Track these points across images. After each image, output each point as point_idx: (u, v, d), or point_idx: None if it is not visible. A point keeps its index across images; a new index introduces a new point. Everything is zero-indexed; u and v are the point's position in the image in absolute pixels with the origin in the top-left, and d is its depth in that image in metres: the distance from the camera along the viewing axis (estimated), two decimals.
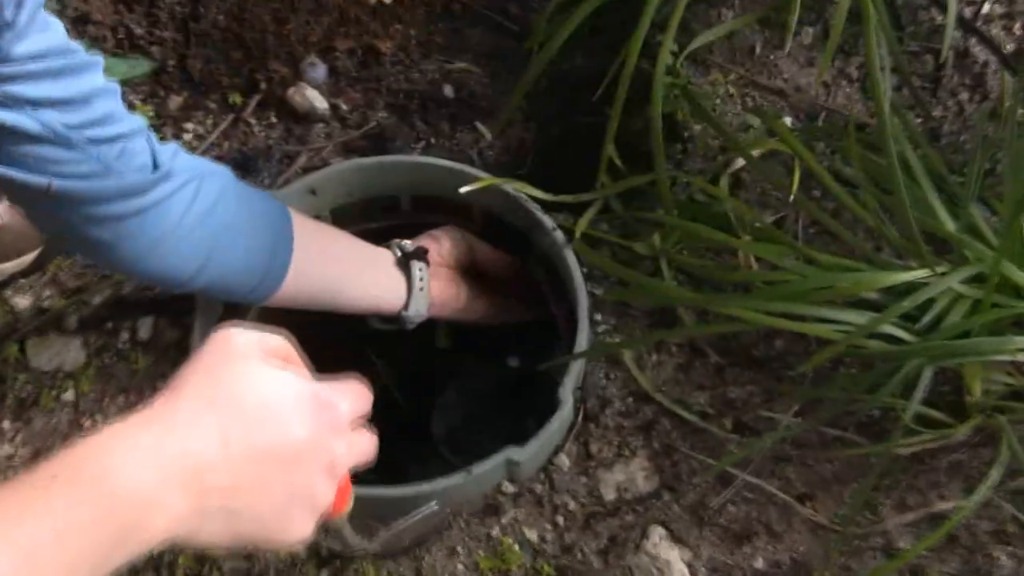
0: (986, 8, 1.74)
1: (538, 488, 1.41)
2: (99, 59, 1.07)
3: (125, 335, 1.54)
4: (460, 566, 1.36)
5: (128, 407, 1.48)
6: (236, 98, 1.75)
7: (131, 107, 1.71)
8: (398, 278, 1.47)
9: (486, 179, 1.52)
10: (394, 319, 1.50)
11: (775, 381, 1.46)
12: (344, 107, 1.74)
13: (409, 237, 1.53)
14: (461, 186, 1.51)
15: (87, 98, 1.05)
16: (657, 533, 1.36)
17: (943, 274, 1.33)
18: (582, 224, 1.53)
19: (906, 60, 1.68)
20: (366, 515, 1.33)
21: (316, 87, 1.74)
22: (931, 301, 1.34)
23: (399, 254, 1.48)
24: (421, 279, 1.47)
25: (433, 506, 1.32)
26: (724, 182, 1.58)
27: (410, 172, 1.61)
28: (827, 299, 1.34)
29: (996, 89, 1.68)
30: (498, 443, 1.49)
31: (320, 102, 1.73)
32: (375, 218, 1.67)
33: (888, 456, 1.34)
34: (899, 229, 1.41)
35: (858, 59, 1.70)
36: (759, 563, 1.34)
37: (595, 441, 1.44)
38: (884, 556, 1.34)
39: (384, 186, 1.63)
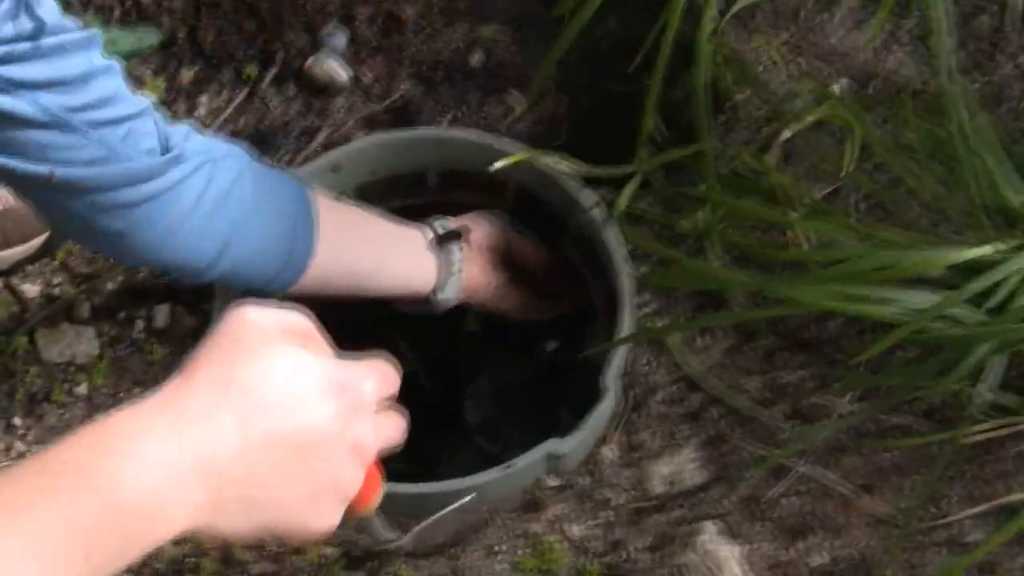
0: None
1: (581, 482, 1.39)
2: (97, 35, 1.04)
3: (140, 324, 1.53)
4: (500, 566, 1.34)
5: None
6: (251, 70, 1.73)
7: (140, 81, 1.70)
8: (430, 259, 1.45)
9: (519, 153, 1.49)
10: (422, 303, 1.48)
11: (829, 365, 1.43)
12: (366, 78, 1.72)
13: (437, 216, 1.51)
14: (491, 161, 1.49)
15: (85, 78, 1.02)
16: (709, 529, 1.34)
17: (1016, 250, 1.29)
18: (622, 200, 1.51)
19: (962, 20, 1.64)
20: (399, 513, 1.31)
21: (336, 58, 1.71)
22: (999, 280, 1.30)
23: (434, 234, 1.46)
24: (455, 261, 1.45)
25: (470, 497, 1.29)
26: (772, 154, 1.55)
27: (437, 147, 1.60)
28: (886, 279, 1.31)
29: None
30: (535, 432, 1.47)
31: (340, 74, 1.70)
32: (400, 196, 1.65)
33: (953, 445, 1.32)
34: (960, 203, 1.39)
35: (909, 21, 1.66)
36: (817, 560, 1.32)
37: (641, 431, 1.41)
38: (951, 551, 1.30)
39: (410, 162, 1.61)
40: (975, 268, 1.31)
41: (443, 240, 1.45)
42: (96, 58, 1.04)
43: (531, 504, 1.38)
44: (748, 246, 1.48)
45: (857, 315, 1.36)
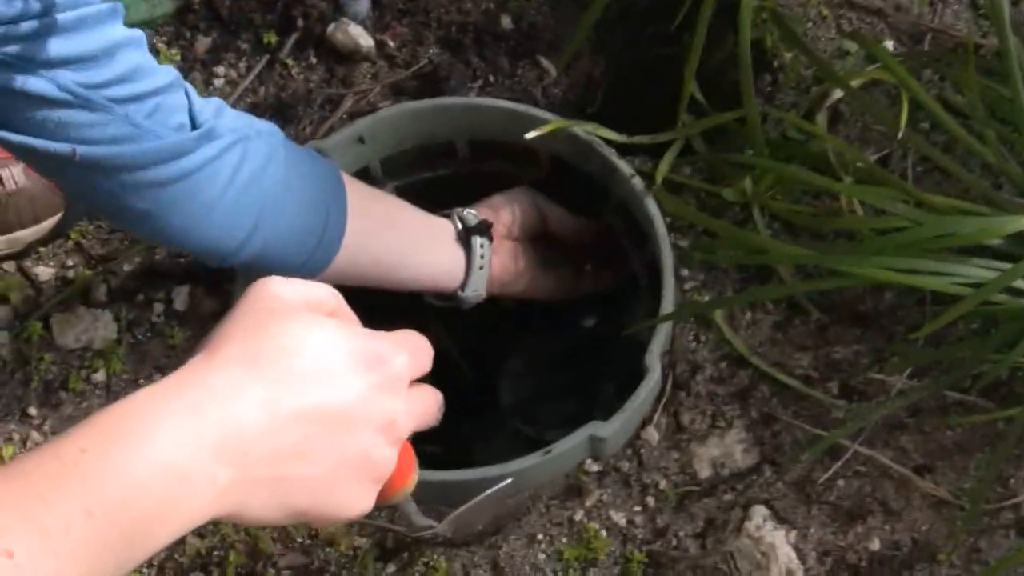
0: None
1: (625, 466, 1.38)
2: (119, 6, 1.02)
3: (159, 307, 1.52)
4: (541, 555, 1.34)
5: None
6: (270, 37, 1.70)
7: (155, 50, 1.68)
8: (457, 253, 1.44)
9: (553, 122, 1.47)
10: (449, 297, 1.48)
11: (885, 340, 1.41)
12: (391, 44, 1.69)
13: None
14: (524, 129, 1.47)
15: (108, 52, 1.00)
16: (760, 513, 1.33)
17: None
18: (663, 168, 1.49)
19: None
20: (434, 502, 1.29)
21: (359, 22, 1.69)
22: None
23: (460, 227, 1.44)
24: (482, 256, 1.44)
25: (506, 482, 1.27)
26: (821, 117, 1.53)
27: (467, 115, 1.57)
28: (945, 247, 1.28)
29: None
30: (574, 413, 1.45)
31: (364, 39, 1.67)
32: (429, 167, 1.63)
33: (1020, 422, 1.29)
34: (1021, 166, 1.37)
35: None
36: (875, 544, 1.31)
37: (686, 412, 1.40)
38: (1020, 534, 1.30)
39: (439, 131, 1.59)
40: None
41: (469, 233, 1.43)
42: (119, 31, 1.01)
43: (572, 490, 1.37)
44: (797, 215, 1.46)
45: (916, 287, 1.34)
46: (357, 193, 1.33)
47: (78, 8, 0.96)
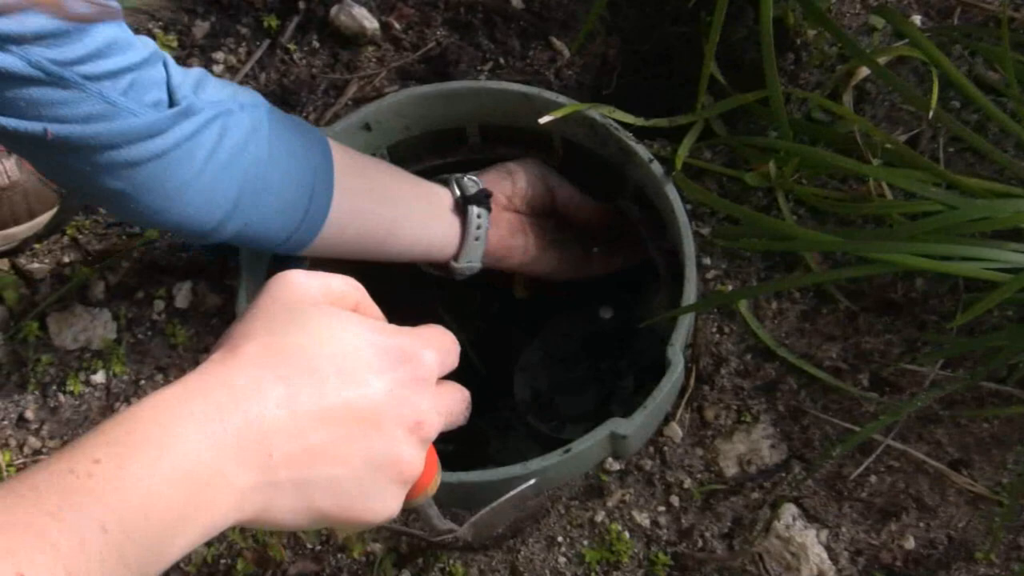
0: None
1: (647, 464, 1.37)
2: None
3: (160, 304, 1.51)
4: (562, 559, 1.33)
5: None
6: (271, 21, 1.70)
7: (150, 36, 1.66)
8: (453, 223, 1.43)
9: (567, 105, 1.45)
10: (443, 267, 1.47)
11: (917, 329, 1.41)
12: (397, 26, 1.69)
13: (463, 173, 1.48)
14: (536, 113, 1.46)
15: (80, 27, 0.98)
16: (789, 512, 1.32)
17: None
18: (682, 153, 1.48)
19: None
20: (450, 503, 1.30)
21: (364, 4, 1.69)
22: None
23: (458, 194, 1.43)
24: (479, 227, 1.43)
25: (530, 483, 1.26)
26: (847, 97, 1.52)
27: (477, 99, 1.55)
28: (979, 232, 1.27)
29: None
30: (592, 407, 1.43)
31: (369, 21, 1.68)
32: (439, 154, 1.62)
33: None
34: None
35: None
36: (910, 543, 1.30)
37: (711, 407, 1.39)
38: None
39: (448, 117, 1.58)
40: None
41: (466, 202, 1.42)
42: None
43: (593, 490, 1.36)
44: (823, 200, 1.45)
45: (949, 274, 1.33)
46: (345, 163, 1.31)
47: None
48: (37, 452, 1.40)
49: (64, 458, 0.67)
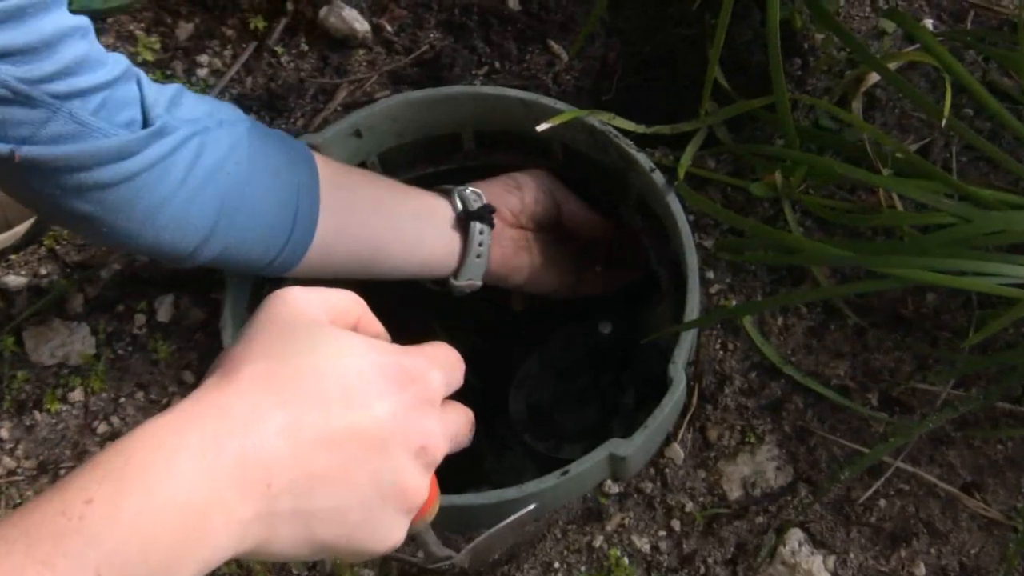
0: None
1: (648, 487, 1.36)
2: None
3: (141, 318, 1.50)
4: None
5: (149, 405, 1.44)
6: (258, 22, 1.70)
7: (132, 38, 1.67)
8: (453, 239, 1.43)
9: (565, 111, 1.45)
10: (441, 283, 1.46)
11: (929, 346, 1.40)
12: (389, 28, 1.69)
13: (473, 181, 1.47)
14: (534, 118, 1.46)
15: (50, 44, 0.98)
16: (795, 537, 1.31)
17: None
18: (685, 161, 1.47)
19: None
20: (442, 526, 1.28)
21: (354, 5, 1.69)
22: None
23: (459, 208, 1.42)
24: (480, 244, 1.43)
25: (531, 507, 1.26)
26: (856, 104, 1.52)
27: (472, 105, 1.56)
28: (994, 245, 1.27)
29: None
30: (590, 425, 1.43)
31: (360, 23, 1.67)
32: (432, 161, 1.63)
33: None
34: None
35: None
36: (920, 569, 1.29)
37: (714, 427, 1.38)
38: None
39: (442, 123, 1.58)
40: None
41: (468, 218, 1.41)
42: (63, 19, 0.99)
43: (591, 513, 1.35)
44: (831, 211, 1.45)
45: (964, 289, 1.33)
46: (333, 179, 1.31)
47: None
48: (12, 472, 1.39)
49: (56, 498, 0.67)
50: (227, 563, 1.28)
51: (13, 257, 1.54)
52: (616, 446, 1.29)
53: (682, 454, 1.37)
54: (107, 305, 1.50)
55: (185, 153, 1.13)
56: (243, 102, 1.61)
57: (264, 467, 0.73)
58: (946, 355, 1.38)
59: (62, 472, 1.37)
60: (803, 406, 1.38)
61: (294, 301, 0.82)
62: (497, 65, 1.65)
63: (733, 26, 1.43)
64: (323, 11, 1.67)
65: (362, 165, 1.55)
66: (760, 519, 1.33)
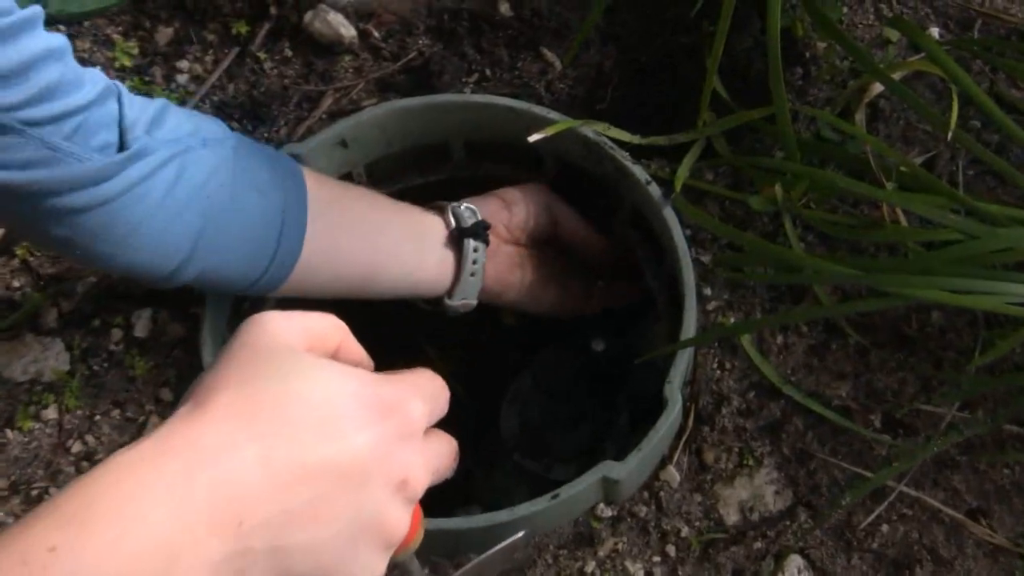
0: None
1: (642, 511, 1.36)
2: (38, 13, 0.99)
3: (117, 333, 1.49)
4: None
5: (125, 423, 1.43)
6: (241, 27, 1.69)
7: (109, 43, 1.67)
8: (446, 257, 1.42)
9: (559, 121, 1.45)
10: (435, 303, 1.46)
11: (933, 366, 1.39)
12: (376, 34, 1.69)
13: (463, 192, 1.48)
14: (525, 129, 1.46)
15: (22, 71, 0.97)
16: (794, 563, 1.31)
17: None
18: (682, 173, 1.47)
19: None
20: (428, 551, 1.27)
21: (340, 9, 1.68)
22: None
23: (453, 225, 1.41)
24: (475, 262, 1.42)
25: (521, 534, 1.25)
26: (859, 115, 1.52)
27: (462, 113, 1.55)
28: (1001, 263, 1.27)
29: None
30: (583, 445, 1.42)
31: (346, 28, 1.67)
32: (421, 171, 1.63)
33: None
34: None
35: None
36: None
37: (711, 449, 1.38)
38: None
39: (431, 132, 1.58)
40: None
41: (462, 235, 1.40)
42: (36, 42, 0.98)
43: (583, 538, 1.34)
44: (833, 226, 1.44)
45: (970, 308, 1.33)
46: (321, 196, 1.30)
47: None
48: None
49: (17, 544, 0.65)
50: None
51: None
52: (609, 468, 1.29)
53: (678, 477, 1.36)
54: (82, 320, 1.49)
55: (164, 175, 1.12)
56: (224, 110, 1.61)
57: (236, 502, 0.72)
58: (951, 376, 1.38)
59: (34, 493, 1.36)
60: (803, 428, 1.38)
61: (271, 327, 0.81)
62: (488, 73, 1.65)
63: (732, 33, 1.42)
64: (308, 16, 1.67)
65: (348, 176, 1.55)
66: (758, 544, 1.32)
